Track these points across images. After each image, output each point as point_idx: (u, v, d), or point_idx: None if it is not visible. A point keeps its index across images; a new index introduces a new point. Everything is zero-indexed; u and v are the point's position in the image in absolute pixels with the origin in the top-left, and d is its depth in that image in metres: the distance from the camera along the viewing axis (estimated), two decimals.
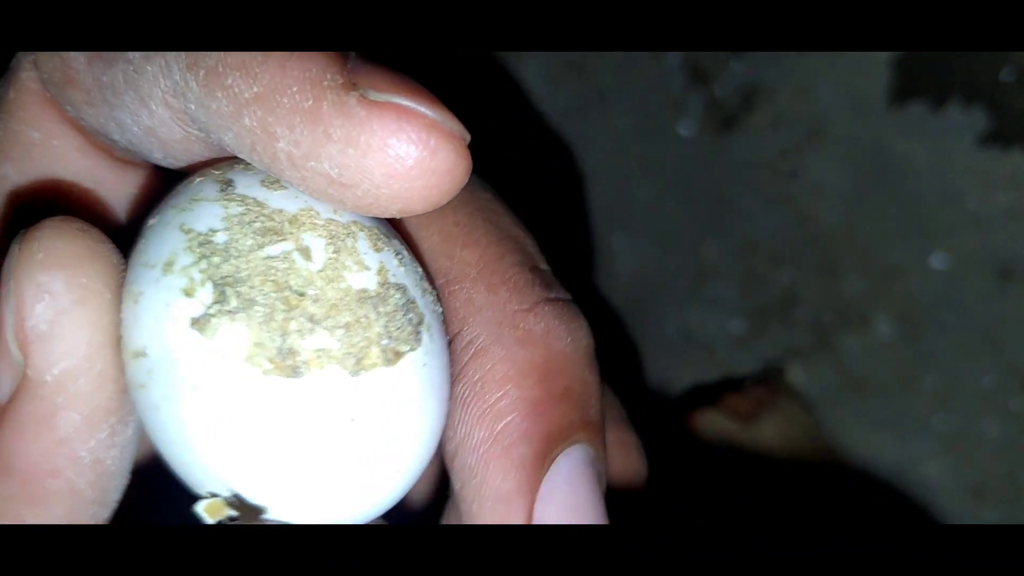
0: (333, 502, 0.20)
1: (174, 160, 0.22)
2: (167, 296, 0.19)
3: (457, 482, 0.22)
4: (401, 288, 0.20)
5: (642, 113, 0.49)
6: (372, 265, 0.20)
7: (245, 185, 0.21)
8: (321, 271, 0.20)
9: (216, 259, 0.19)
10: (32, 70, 0.23)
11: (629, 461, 0.29)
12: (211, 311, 0.19)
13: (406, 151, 0.18)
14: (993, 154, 0.44)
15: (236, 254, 0.19)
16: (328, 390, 0.19)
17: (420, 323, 0.21)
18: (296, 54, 0.19)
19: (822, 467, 0.48)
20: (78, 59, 0.22)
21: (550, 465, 0.21)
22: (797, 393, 0.49)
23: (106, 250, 0.20)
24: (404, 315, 0.20)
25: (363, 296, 0.20)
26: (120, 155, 0.24)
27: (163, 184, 0.24)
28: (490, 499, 0.21)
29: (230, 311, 0.19)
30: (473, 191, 0.24)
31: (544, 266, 0.24)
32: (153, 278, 0.20)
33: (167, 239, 0.20)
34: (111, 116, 0.22)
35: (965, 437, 0.47)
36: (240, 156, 0.20)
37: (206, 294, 0.19)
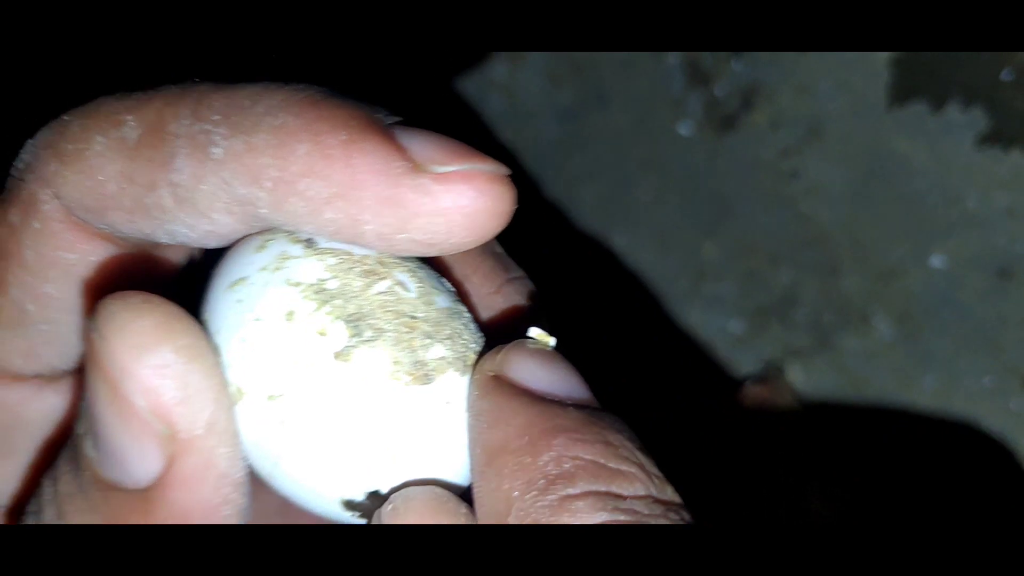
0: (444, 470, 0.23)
1: (222, 243, 0.24)
2: (303, 339, 0.22)
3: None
4: (460, 302, 0.25)
5: (642, 113, 0.49)
6: (443, 288, 0.24)
7: (321, 240, 0.24)
8: (417, 297, 0.23)
9: (338, 302, 0.23)
10: (53, 200, 0.24)
11: None
12: (351, 343, 0.22)
13: (480, 204, 0.22)
14: (993, 154, 0.44)
15: (352, 295, 0.23)
16: (450, 390, 0.23)
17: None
18: (354, 145, 0.22)
19: (820, 466, 0.48)
20: (107, 186, 0.23)
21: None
22: (797, 393, 0.50)
23: (171, 307, 0.22)
24: (470, 323, 0.24)
25: (450, 312, 0.24)
26: (157, 246, 0.26)
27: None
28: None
29: (367, 340, 0.22)
30: None
31: (498, 249, 0.27)
32: (278, 329, 0.23)
33: (275, 294, 0.23)
34: (161, 228, 0.24)
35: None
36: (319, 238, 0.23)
37: (340, 331, 0.22)
